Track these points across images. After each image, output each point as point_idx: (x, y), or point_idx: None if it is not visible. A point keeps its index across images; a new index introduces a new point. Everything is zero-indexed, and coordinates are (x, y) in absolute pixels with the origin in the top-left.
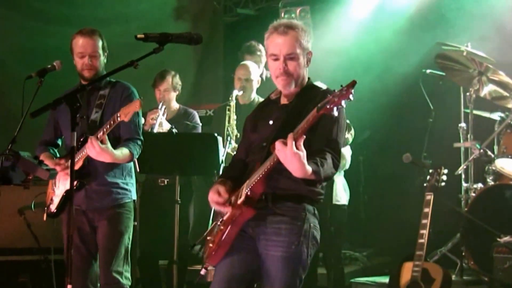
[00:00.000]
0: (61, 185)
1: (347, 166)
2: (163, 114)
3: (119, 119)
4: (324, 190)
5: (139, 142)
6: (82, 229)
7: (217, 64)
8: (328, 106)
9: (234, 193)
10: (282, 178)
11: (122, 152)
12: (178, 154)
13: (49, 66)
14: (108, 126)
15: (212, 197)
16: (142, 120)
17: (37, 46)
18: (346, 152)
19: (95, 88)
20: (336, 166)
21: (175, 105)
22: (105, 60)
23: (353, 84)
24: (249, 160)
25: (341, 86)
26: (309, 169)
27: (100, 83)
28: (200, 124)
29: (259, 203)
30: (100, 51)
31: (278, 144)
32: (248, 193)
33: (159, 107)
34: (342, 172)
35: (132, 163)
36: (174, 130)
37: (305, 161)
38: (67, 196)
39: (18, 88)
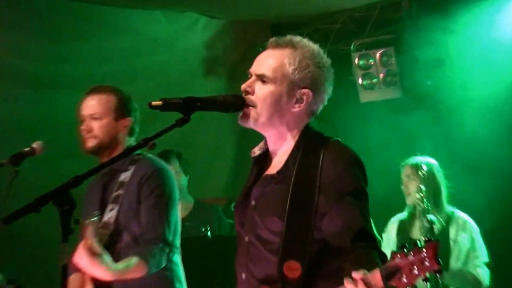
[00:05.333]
0: None
1: None
2: None
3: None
4: None
5: (162, 246)
6: None
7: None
8: (404, 281)
9: None
10: None
11: (128, 265)
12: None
13: (26, 149)
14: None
15: None
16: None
17: (29, 116)
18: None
19: (115, 171)
20: None
21: (188, 198)
22: (125, 125)
23: (435, 246)
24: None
25: (418, 245)
26: None
27: (122, 164)
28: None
29: None
30: (107, 111)
31: None
32: None
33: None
34: None
35: (176, 266)
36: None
37: None
38: None
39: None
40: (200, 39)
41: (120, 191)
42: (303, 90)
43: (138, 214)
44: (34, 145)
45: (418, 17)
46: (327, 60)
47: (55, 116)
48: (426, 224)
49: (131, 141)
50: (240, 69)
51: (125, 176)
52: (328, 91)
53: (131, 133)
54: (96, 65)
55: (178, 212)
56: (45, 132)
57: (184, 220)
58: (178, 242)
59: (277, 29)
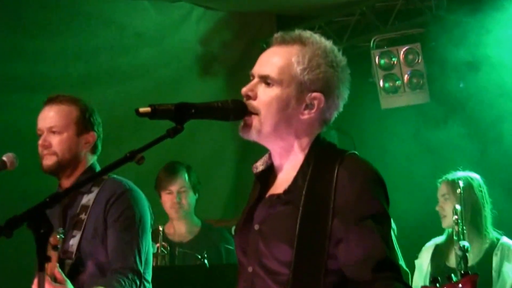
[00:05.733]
0: None
1: None
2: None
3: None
4: None
5: (132, 276)
6: None
7: None
8: None
9: None
10: None
11: None
12: None
13: None
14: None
15: None
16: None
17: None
18: None
19: (78, 193)
20: None
21: (195, 220)
22: (88, 141)
23: (473, 282)
24: None
25: (453, 279)
26: None
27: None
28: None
29: None
30: (67, 125)
31: None
32: None
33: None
34: None
35: None
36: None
37: None
38: None
39: None
40: (194, 34)
41: (83, 216)
42: (314, 94)
43: (105, 241)
44: (5, 157)
45: (449, 9)
46: (342, 59)
47: (28, 121)
48: (459, 252)
49: (94, 159)
50: (240, 69)
51: (88, 199)
52: (343, 95)
53: (94, 150)
54: (75, 63)
55: (150, 240)
56: (18, 141)
57: (180, 245)
58: (149, 276)
59: (283, 22)
